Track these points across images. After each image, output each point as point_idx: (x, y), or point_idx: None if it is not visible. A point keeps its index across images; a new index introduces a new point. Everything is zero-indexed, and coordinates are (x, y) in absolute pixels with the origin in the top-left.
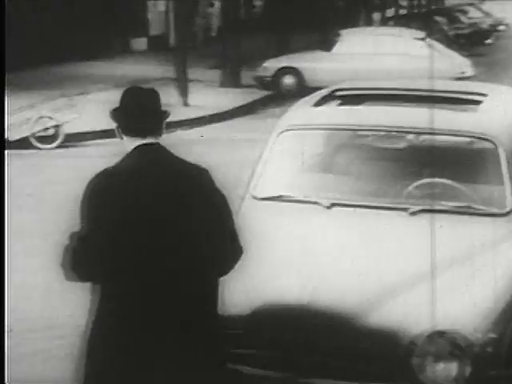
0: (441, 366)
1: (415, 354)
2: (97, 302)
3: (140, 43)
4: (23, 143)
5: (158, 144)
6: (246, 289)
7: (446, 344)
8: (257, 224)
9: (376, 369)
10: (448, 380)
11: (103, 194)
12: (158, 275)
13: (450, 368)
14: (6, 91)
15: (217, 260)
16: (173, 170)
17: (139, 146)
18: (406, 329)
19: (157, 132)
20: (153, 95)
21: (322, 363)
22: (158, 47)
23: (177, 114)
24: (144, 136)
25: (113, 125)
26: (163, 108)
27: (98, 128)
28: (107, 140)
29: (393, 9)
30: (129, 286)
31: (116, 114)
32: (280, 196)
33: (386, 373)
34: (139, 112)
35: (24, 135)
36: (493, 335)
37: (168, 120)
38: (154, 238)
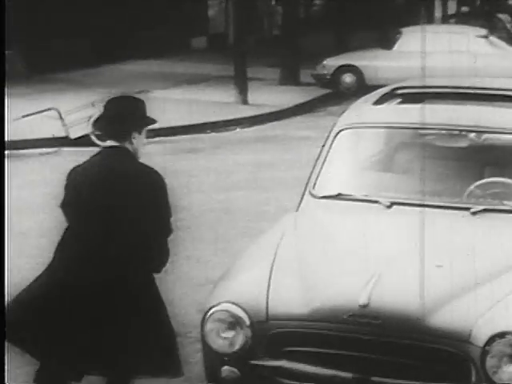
0: (504, 368)
1: (487, 354)
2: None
3: (200, 42)
4: (84, 141)
5: (119, 147)
6: (304, 287)
7: (507, 345)
8: (316, 223)
9: (447, 369)
10: (511, 381)
11: (67, 184)
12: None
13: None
14: (5, 91)
15: (147, 254)
16: (121, 170)
17: (103, 148)
18: (473, 329)
19: (120, 137)
20: (129, 104)
21: (390, 363)
22: (218, 45)
23: (236, 112)
24: (109, 139)
25: (171, 123)
26: (145, 116)
27: (157, 126)
28: (166, 138)
29: (455, 6)
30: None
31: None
32: (339, 194)
33: (457, 373)
34: (106, 119)
35: (85, 133)
36: None
37: (228, 118)
38: (93, 225)
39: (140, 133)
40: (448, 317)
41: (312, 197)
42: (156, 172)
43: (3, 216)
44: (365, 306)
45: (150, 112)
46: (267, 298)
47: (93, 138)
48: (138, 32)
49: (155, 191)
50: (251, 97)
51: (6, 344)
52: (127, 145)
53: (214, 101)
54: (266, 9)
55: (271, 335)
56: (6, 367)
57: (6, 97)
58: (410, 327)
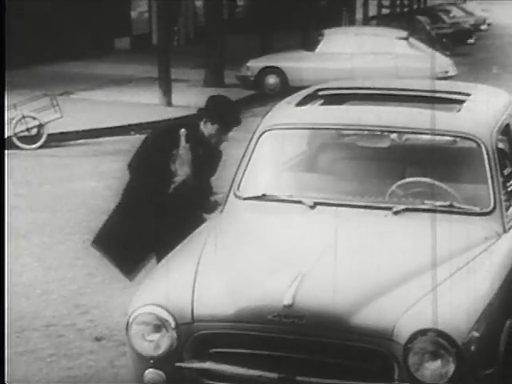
0: (426, 365)
1: (410, 352)
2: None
3: (123, 42)
4: (6, 143)
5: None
6: (230, 288)
7: (429, 342)
8: (241, 224)
9: (371, 367)
10: (433, 378)
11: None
12: None
13: (435, 366)
14: (6, 91)
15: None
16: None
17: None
18: (395, 327)
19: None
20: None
21: (315, 362)
22: (141, 47)
23: (160, 113)
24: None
25: (95, 125)
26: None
27: (81, 128)
28: (90, 140)
29: (375, 8)
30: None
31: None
32: (263, 195)
33: (380, 371)
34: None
35: (7, 135)
36: (476, 334)
37: (152, 119)
38: None
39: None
40: (371, 315)
41: (236, 198)
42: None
43: (3, 216)
44: (289, 306)
45: (74, 114)
46: (192, 299)
47: (15, 140)
48: (61, 33)
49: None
50: (175, 98)
51: (6, 344)
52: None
53: (138, 102)
54: (189, 10)
55: (197, 337)
56: (5, 367)
57: (5, 96)
58: (334, 326)
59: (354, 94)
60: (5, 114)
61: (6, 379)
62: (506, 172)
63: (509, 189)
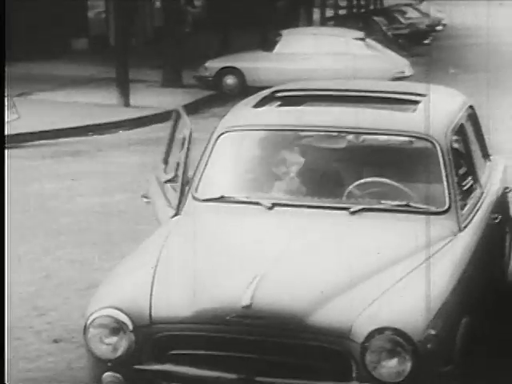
0: (383, 363)
1: (367, 350)
2: None
3: (81, 43)
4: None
5: None
6: (188, 290)
7: (386, 341)
8: (199, 225)
9: (329, 366)
10: (391, 376)
11: None
12: None
13: (392, 364)
14: (6, 91)
15: None
16: None
17: None
18: (353, 326)
19: None
20: None
21: (274, 362)
22: (99, 47)
23: (118, 114)
24: None
25: (53, 126)
26: None
27: (39, 129)
28: (48, 141)
29: (332, 9)
30: None
31: None
32: (221, 197)
33: (338, 370)
34: None
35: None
36: (433, 332)
37: (110, 120)
38: None
39: None
40: (329, 315)
41: (194, 199)
42: None
43: (3, 216)
44: (247, 307)
45: (32, 115)
46: (150, 301)
47: None
48: (17, 34)
49: None
50: (133, 99)
51: (6, 344)
52: None
53: (96, 103)
54: (147, 10)
55: (155, 339)
56: (5, 367)
57: (5, 96)
58: (292, 326)
59: (312, 95)
60: (5, 113)
61: (5, 379)
62: (460, 171)
63: (464, 188)
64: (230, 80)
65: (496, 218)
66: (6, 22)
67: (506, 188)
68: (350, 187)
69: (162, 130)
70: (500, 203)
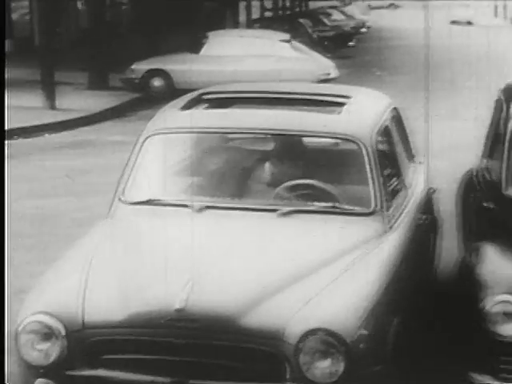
0: (316, 364)
1: (300, 352)
2: None
3: (5, 45)
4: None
5: None
6: (121, 294)
7: (319, 342)
8: (128, 229)
9: (264, 368)
10: (324, 377)
11: None
12: None
13: (325, 365)
14: (6, 89)
15: None
16: None
17: None
18: (286, 328)
19: None
20: None
21: (208, 365)
22: (24, 49)
23: (44, 117)
24: None
25: None
26: None
27: None
28: None
29: (258, 11)
30: None
31: None
32: (149, 200)
33: (273, 371)
34: None
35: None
36: (365, 332)
37: (36, 123)
38: None
39: None
40: (262, 317)
41: (122, 203)
42: None
43: (3, 214)
44: (181, 310)
45: None
46: (83, 306)
47: None
48: None
49: None
50: (59, 101)
51: (6, 344)
52: None
53: (21, 106)
54: (72, 11)
55: (88, 344)
56: (5, 367)
57: (5, 94)
58: (225, 329)
59: (239, 97)
60: (5, 112)
61: (5, 379)
62: (386, 173)
63: (390, 189)
64: (157, 82)
65: (422, 218)
66: (5, 22)
67: (431, 188)
68: (278, 189)
69: (88, 132)
70: (425, 203)
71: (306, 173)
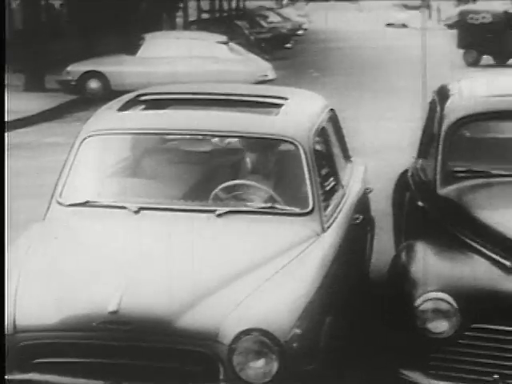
0: (250, 364)
1: (234, 352)
2: None
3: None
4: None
5: None
6: (54, 297)
7: (253, 342)
8: (64, 231)
9: (198, 370)
10: (258, 377)
11: None
12: None
13: (259, 365)
14: (6, 89)
15: None
16: None
17: None
18: (220, 329)
19: None
20: None
21: (142, 367)
22: None
23: None
24: None
25: None
26: None
27: None
28: None
29: (195, 13)
30: None
31: None
32: (87, 202)
33: (207, 373)
34: None
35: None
36: (298, 331)
37: None
38: None
39: None
40: (197, 318)
41: (59, 205)
42: None
43: (3, 213)
44: (114, 313)
45: None
46: (14, 310)
47: None
48: None
49: None
50: None
51: (6, 344)
52: None
53: None
54: (5, 12)
55: (20, 348)
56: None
57: (5, 93)
58: (159, 331)
59: (176, 98)
60: (5, 110)
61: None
62: (323, 173)
63: (327, 189)
64: (93, 84)
65: (358, 218)
66: (5, 22)
67: (367, 189)
68: (216, 190)
69: (25, 134)
70: (361, 204)
71: (244, 173)
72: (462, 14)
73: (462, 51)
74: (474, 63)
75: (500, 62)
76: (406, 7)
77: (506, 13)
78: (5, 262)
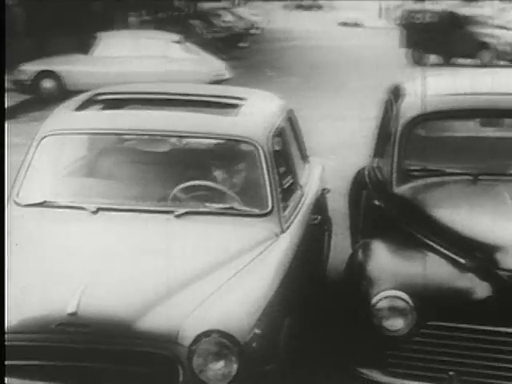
0: (210, 366)
1: (194, 354)
2: None
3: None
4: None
5: None
6: (12, 299)
7: (212, 344)
8: (21, 232)
9: (158, 372)
10: (217, 379)
11: None
12: None
13: (219, 367)
14: (6, 87)
15: None
16: None
17: None
18: (180, 330)
19: None
20: None
21: (101, 370)
22: None
23: None
24: None
25: None
26: None
27: None
28: None
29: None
30: None
31: None
32: (44, 202)
33: (166, 374)
34: None
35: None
36: (257, 331)
37: None
38: None
39: None
40: (156, 320)
41: (16, 205)
42: None
43: (3, 212)
44: (73, 315)
45: None
46: None
47: None
48: None
49: None
50: None
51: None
52: None
53: None
54: None
55: None
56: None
57: (5, 92)
58: (118, 333)
59: (133, 98)
60: (4, 109)
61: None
62: (282, 173)
63: (285, 190)
64: (47, 84)
65: (316, 219)
66: (5, 22)
67: (324, 189)
68: (175, 190)
69: None
70: (319, 203)
71: (203, 174)
72: (406, 14)
73: (407, 50)
74: (420, 61)
75: (446, 61)
76: (301, 7)
77: (451, 13)
78: (5, 262)
